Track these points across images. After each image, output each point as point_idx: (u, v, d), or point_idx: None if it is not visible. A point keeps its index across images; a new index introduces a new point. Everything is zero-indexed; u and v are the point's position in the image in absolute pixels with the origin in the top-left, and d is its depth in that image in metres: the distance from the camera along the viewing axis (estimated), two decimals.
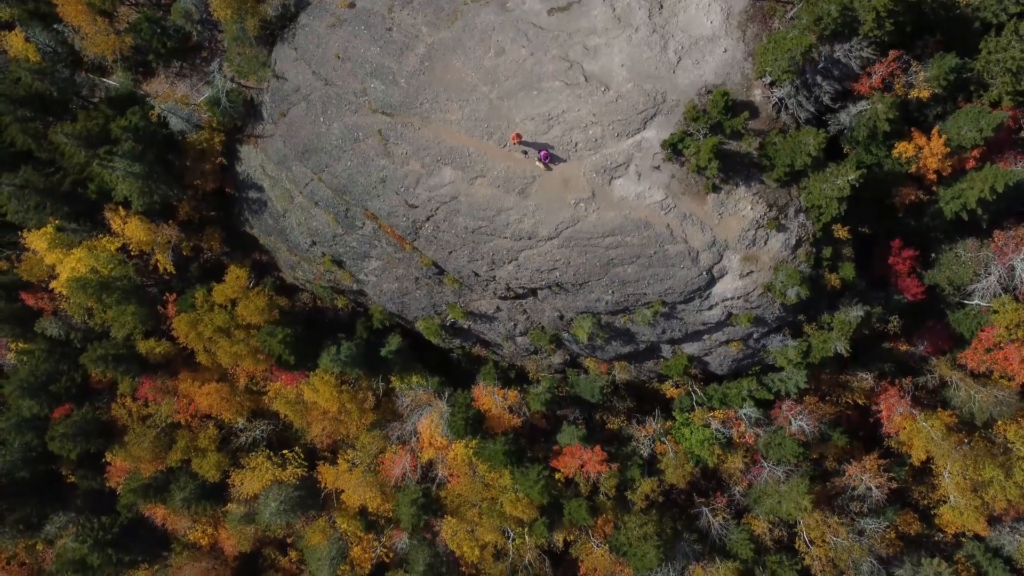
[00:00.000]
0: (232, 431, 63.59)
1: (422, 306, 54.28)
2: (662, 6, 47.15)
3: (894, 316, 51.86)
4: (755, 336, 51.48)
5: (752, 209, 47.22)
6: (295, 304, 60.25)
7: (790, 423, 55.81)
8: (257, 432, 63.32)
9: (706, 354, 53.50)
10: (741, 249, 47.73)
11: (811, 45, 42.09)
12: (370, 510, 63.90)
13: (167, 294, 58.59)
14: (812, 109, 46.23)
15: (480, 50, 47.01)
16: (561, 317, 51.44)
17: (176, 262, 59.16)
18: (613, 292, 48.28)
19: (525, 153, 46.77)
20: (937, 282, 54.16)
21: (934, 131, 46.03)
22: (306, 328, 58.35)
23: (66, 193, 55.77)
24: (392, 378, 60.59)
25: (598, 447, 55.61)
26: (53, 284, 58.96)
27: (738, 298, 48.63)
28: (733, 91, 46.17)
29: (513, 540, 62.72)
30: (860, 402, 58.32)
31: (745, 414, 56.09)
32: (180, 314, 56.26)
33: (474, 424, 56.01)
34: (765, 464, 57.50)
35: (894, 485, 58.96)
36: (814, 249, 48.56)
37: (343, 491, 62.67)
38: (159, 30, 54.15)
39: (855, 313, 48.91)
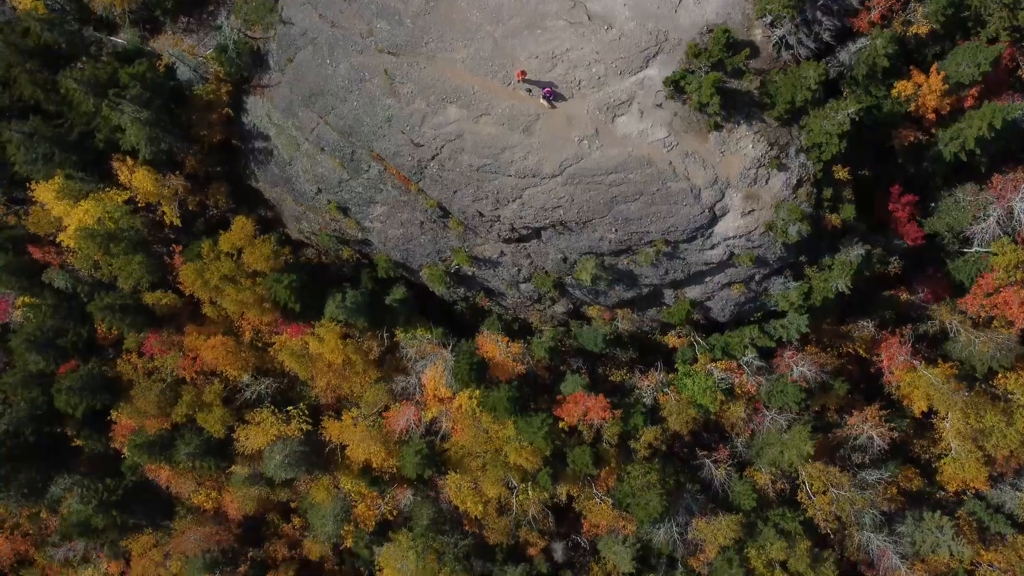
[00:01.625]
0: (237, 388, 63.83)
1: (427, 252, 54.80)
2: None
3: (894, 257, 52.31)
4: (757, 278, 51.98)
5: (753, 147, 47.80)
6: (300, 258, 60.68)
7: (792, 370, 56.25)
8: (262, 388, 63.60)
9: (708, 299, 53.98)
10: (743, 187, 48.28)
11: None
12: (374, 466, 63.96)
13: (173, 246, 59.10)
14: (812, 47, 46.84)
15: None
16: (565, 260, 51.93)
17: (182, 217, 59.62)
18: (616, 230, 48.79)
19: (529, 91, 47.40)
20: (937, 229, 54.78)
21: (933, 68, 46.70)
22: (311, 280, 58.85)
23: (74, 143, 56.34)
24: (396, 331, 61.04)
25: (601, 395, 56.05)
26: (60, 236, 59.42)
27: (740, 237, 49.14)
28: (734, 31, 46.81)
29: (517, 495, 63.02)
30: (861, 352, 58.80)
31: (747, 361, 56.59)
32: (186, 263, 56.72)
33: (478, 371, 56.43)
34: (767, 412, 57.92)
35: (895, 435, 59.23)
36: (815, 189, 49.09)
37: (347, 446, 62.88)
38: None
39: (856, 252, 49.46)
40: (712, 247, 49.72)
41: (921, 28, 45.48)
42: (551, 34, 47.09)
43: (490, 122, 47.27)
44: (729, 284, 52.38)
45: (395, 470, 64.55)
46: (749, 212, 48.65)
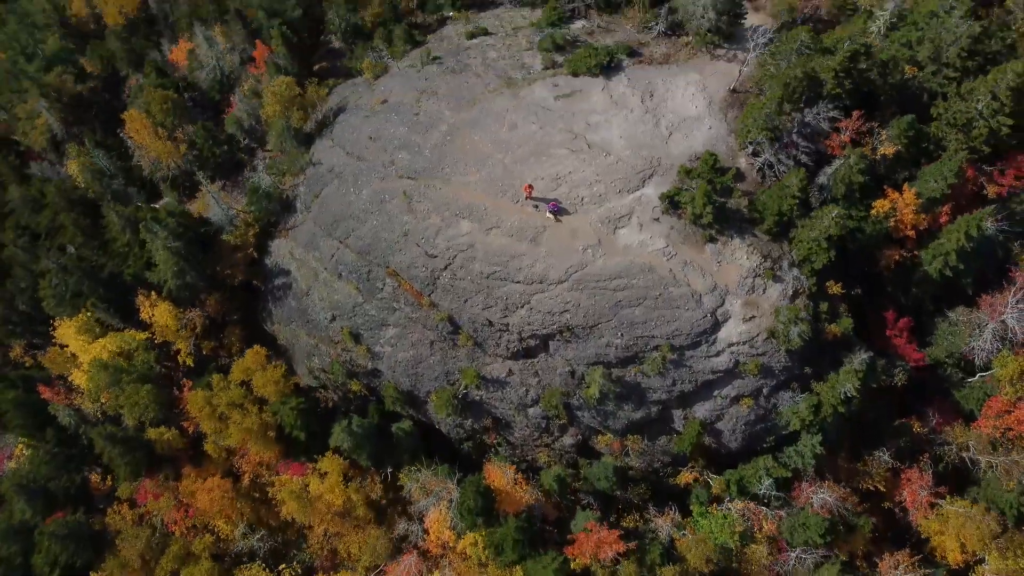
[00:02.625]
0: (229, 542, 60.38)
1: (435, 375, 55.28)
2: (652, 94, 54.78)
3: (899, 368, 52.76)
4: (764, 392, 52.00)
5: (748, 259, 50.73)
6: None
7: (812, 501, 53.90)
8: (254, 542, 60.21)
9: (718, 418, 53.41)
10: (742, 295, 50.39)
11: (782, 97, 48.69)
12: None
13: (184, 380, 59.68)
14: (792, 167, 51.59)
15: (495, 126, 53.81)
16: (572, 373, 52.39)
17: (196, 358, 61.07)
18: (622, 335, 49.99)
19: (536, 207, 51.42)
20: (938, 358, 55.68)
21: (904, 186, 51.07)
22: (316, 414, 58.62)
23: (104, 279, 59.48)
24: (400, 474, 59.25)
25: (614, 530, 53.22)
26: (73, 374, 60.34)
27: (744, 343, 50.20)
28: (721, 157, 51.98)
29: None
30: (880, 488, 56.55)
31: (763, 494, 54.44)
32: (195, 391, 56.94)
33: (485, 503, 53.95)
34: (791, 552, 54.40)
35: None
36: (811, 303, 51.10)
37: None
38: (211, 140, 61.54)
39: (861, 358, 50.08)
40: (717, 354, 50.52)
41: (888, 149, 50.52)
42: (555, 160, 52.27)
43: (500, 234, 50.73)
44: (737, 399, 52.24)
45: None
46: (750, 318, 50.26)
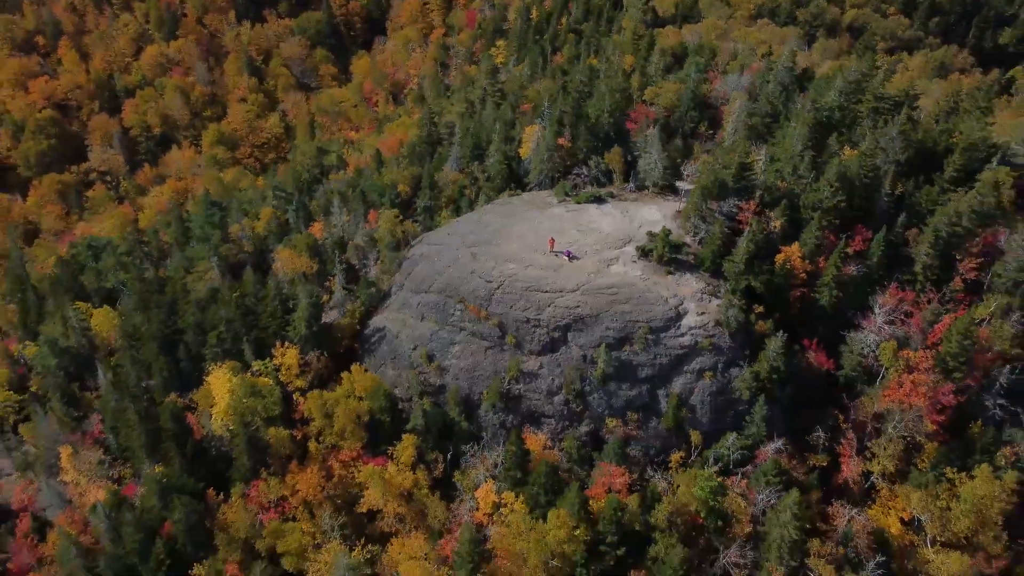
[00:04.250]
0: (318, 524, 75.38)
1: (487, 376, 77.51)
2: (627, 211, 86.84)
3: (815, 339, 75.40)
4: (719, 367, 74.45)
5: (696, 283, 77.76)
6: None
7: (768, 456, 72.07)
8: (338, 524, 75.17)
9: (690, 393, 74.66)
10: (694, 301, 76.19)
11: (708, 187, 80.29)
12: None
13: (300, 396, 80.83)
14: (719, 243, 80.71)
15: (529, 225, 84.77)
16: (584, 357, 75.21)
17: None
18: (616, 320, 74.53)
19: (556, 255, 79.85)
20: (847, 371, 78.20)
21: (794, 245, 79.62)
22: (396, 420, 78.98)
23: (256, 333, 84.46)
24: (455, 474, 77.02)
25: (622, 467, 71.01)
26: (215, 407, 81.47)
27: (699, 328, 74.56)
28: (674, 235, 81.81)
29: None
30: (822, 463, 74.39)
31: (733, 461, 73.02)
32: (313, 392, 78.39)
33: (522, 460, 72.19)
34: (759, 496, 70.74)
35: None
36: (743, 314, 76.30)
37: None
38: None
39: (779, 339, 73.41)
40: (681, 335, 74.41)
41: (776, 223, 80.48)
42: (568, 236, 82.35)
43: (534, 268, 78.52)
44: (701, 372, 74.31)
45: None
46: (702, 313, 75.37)
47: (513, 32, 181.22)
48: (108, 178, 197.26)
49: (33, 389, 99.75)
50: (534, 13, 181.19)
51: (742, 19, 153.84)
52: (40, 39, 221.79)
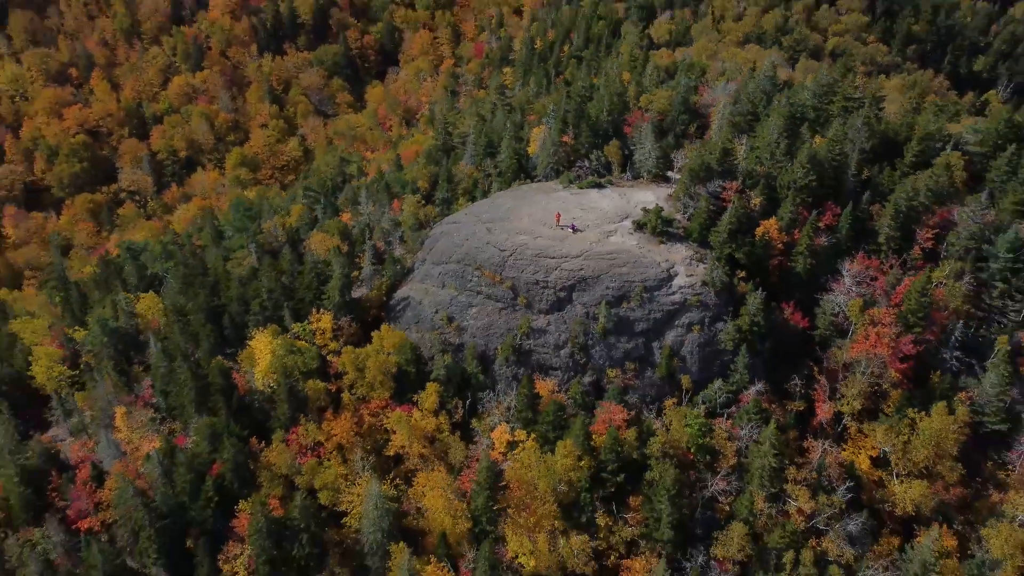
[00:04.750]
0: (351, 465, 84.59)
1: (500, 333, 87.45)
2: (624, 194, 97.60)
3: (792, 301, 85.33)
4: (706, 322, 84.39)
5: (685, 251, 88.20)
6: None
7: (750, 399, 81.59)
8: (368, 462, 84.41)
9: (681, 345, 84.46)
10: (684, 265, 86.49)
11: (695, 169, 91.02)
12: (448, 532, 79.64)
13: (334, 357, 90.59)
14: (706, 217, 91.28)
15: (537, 205, 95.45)
16: (587, 314, 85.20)
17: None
18: (615, 281, 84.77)
19: (562, 228, 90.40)
20: (820, 329, 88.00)
21: (772, 219, 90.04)
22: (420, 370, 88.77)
23: (295, 299, 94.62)
24: (473, 421, 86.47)
25: (622, 406, 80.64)
26: (257, 366, 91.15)
27: (688, 287, 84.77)
28: (666, 212, 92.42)
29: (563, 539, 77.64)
30: (800, 407, 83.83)
31: (722, 400, 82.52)
32: (347, 348, 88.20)
33: (533, 401, 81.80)
34: (742, 431, 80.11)
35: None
36: (728, 277, 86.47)
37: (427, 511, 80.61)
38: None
39: (758, 296, 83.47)
40: (672, 293, 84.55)
41: (756, 201, 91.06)
42: (571, 212, 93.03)
43: (542, 238, 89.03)
44: (690, 327, 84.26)
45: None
46: (690, 275, 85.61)
47: (519, 60, 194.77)
48: (137, 197, 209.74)
49: (86, 360, 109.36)
50: (538, 43, 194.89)
51: (731, 43, 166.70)
52: (74, 71, 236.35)
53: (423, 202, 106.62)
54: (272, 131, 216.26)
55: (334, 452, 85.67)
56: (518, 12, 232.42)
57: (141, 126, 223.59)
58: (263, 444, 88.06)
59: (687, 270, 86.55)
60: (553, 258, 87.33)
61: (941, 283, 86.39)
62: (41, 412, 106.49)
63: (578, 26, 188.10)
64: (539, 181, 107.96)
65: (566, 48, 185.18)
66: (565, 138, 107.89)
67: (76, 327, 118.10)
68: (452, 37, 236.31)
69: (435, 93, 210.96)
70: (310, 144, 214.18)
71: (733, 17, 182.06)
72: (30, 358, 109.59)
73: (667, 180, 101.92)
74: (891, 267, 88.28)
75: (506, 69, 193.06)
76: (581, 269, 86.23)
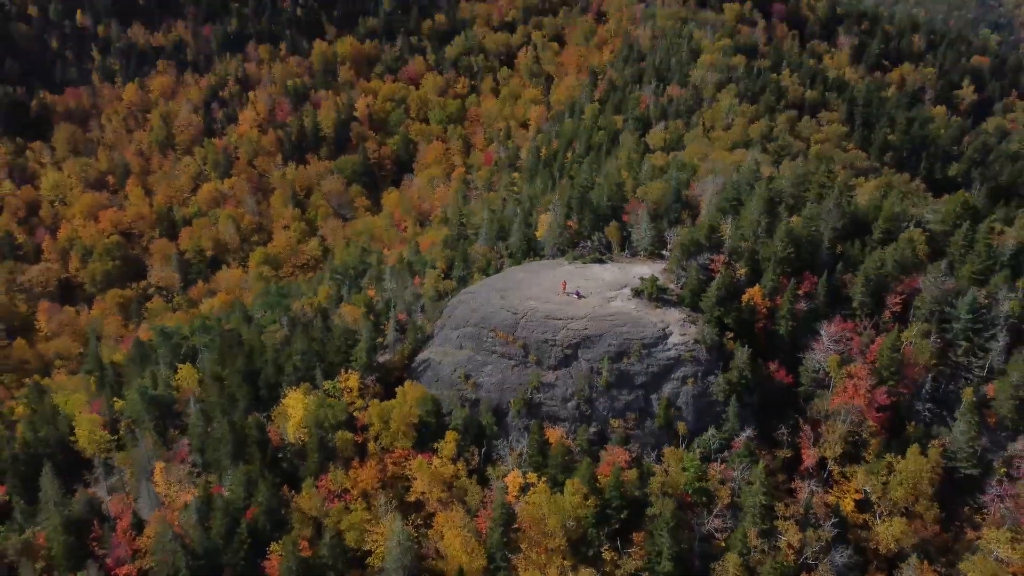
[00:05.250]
0: (375, 509, 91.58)
1: (513, 387, 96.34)
2: (623, 268, 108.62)
3: (777, 360, 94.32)
4: (699, 375, 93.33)
5: (679, 314, 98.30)
6: None
7: (741, 444, 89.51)
8: (391, 505, 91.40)
9: (677, 396, 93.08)
10: (678, 326, 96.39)
11: (686, 244, 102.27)
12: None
13: (360, 413, 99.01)
14: (696, 285, 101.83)
15: (545, 276, 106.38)
16: (592, 369, 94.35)
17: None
18: (616, 338, 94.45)
19: (568, 294, 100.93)
20: (805, 386, 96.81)
21: (756, 288, 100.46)
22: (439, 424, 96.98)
23: (327, 362, 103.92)
24: (488, 469, 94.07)
25: (624, 448, 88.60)
26: (290, 421, 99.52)
27: (682, 344, 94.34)
28: (661, 281, 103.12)
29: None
30: (787, 454, 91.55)
31: (716, 447, 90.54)
32: (374, 402, 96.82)
33: (543, 447, 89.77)
34: (734, 472, 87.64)
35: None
36: (718, 337, 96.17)
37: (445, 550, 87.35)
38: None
39: (744, 352, 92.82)
40: (668, 349, 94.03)
41: (741, 271, 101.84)
42: (576, 282, 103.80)
43: (551, 303, 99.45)
44: (685, 379, 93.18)
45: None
46: (684, 335, 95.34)
47: (525, 166, 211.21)
48: (164, 292, 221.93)
49: (125, 425, 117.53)
50: (543, 151, 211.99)
51: (720, 148, 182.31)
52: (111, 178, 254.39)
53: (442, 276, 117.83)
54: (294, 232, 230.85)
55: (359, 498, 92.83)
56: (524, 125, 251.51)
57: (171, 228, 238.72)
58: (293, 492, 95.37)
59: (681, 330, 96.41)
60: (560, 319, 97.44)
61: (910, 342, 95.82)
62: (83, 474, 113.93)
63: (580, 136, 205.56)
64: (547, 259, 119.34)
65: (569, 155, 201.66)
66: (570, 223, 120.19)
67: (115, 398, 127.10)
68: (463, 148, 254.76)
69: (448, 197, 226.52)
70: (329, 244, 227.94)
71: (722, 127, 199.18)
72: (72, 424, 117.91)
73: (662, 257, 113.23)
74: (865, 328, 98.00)
75: (514, 174, 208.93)
76: (585, 329, 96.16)
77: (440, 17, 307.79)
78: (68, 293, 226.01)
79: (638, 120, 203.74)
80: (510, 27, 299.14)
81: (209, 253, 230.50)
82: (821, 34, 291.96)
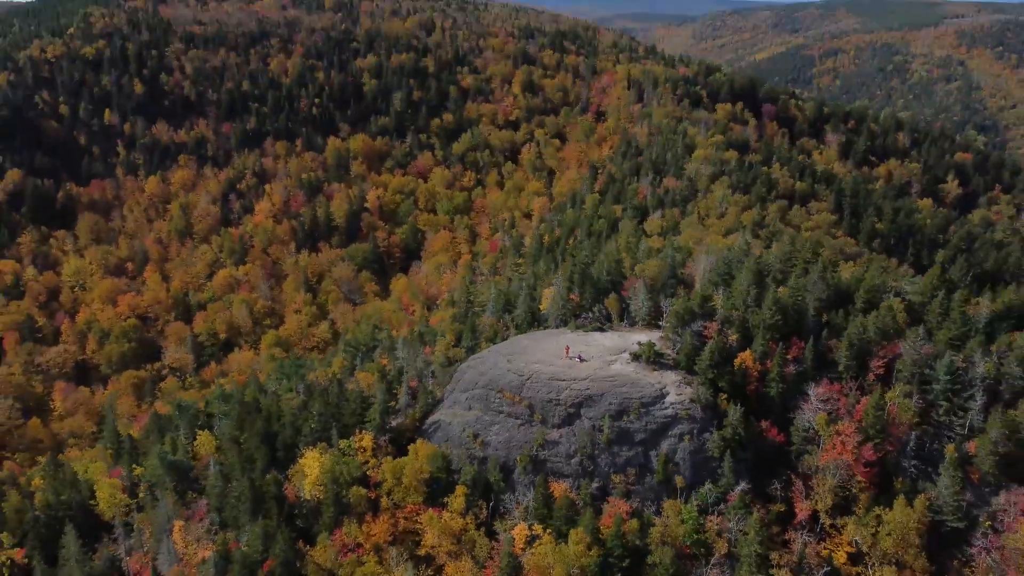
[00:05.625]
0: (387, 564, 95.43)
1: (519, 445, 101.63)
2: (621, 335, 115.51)
3: (769, 419, 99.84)
4: (695, 432, 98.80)
5: (675, 376, 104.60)
6: None
7: (737, 496, 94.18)
8: (403, 558, 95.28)
9: (675, 452, 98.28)
10: (674, 387, 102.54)
11: (681, 312, 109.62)
12: None
13: (372, 471, 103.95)
14: (691, 350, 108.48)
15: (549, 343, 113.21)
16: (593, 427, 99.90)
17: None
18: (616, 398, 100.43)
19: (571, 358, 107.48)
20: (796, 445, 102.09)
21: (747, 352, 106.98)
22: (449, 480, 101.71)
23: (342, 423, 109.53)
24: (495, 523, 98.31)
25: (625, 499, 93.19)
26: (307, 479, 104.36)
27: (678, 403, 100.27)
28: (657, 346, 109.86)
29: None
30: (781, 508, 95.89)
31: (713, 500, 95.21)
32: (387, 459, 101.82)
33: (548, 500, 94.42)
34: (730, 523, 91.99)
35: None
36: (712, 397, 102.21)
37: None
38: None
39: (737, 411, 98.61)
40: (665, 408, 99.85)
41: (733, 337, 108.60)
42: (578, 347, 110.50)
43: (554, 366, 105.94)
44: (682, 436, 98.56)
45: None
46: (679, 394, 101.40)
47: (529, 252, 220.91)
48: (178, 373, 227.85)
49: (145, 489, 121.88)
50: (546, 238, 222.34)
51: (714, 233, 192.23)
52: (130, 265, 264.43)
53: (452, 344, 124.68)
54: (305, 316, 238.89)
55: (372, 551, 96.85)
56: (528, 216, 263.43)
57: (186, 312, 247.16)
58: (308, 547, 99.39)
59: (677, 390, 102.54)
60: (564, 380, 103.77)
61: (894, 402, 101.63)
62: (102, 536, 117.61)
63: (581, 224, 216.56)
64: (550, 329, 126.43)
65: (571, 241, 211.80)
66: (572, 296, 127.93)
67: (133, 464, 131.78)
68: (469, 237, 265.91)
69: (454, 282, 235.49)
70: (339, 328, 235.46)
71: (716, 215, 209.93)
72: (93, 488, 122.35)
73: (659, 327, 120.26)
74: (851, 390, 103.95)
75: (519, 259, 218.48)
76: (587, 389, 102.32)
77: (448, 116, 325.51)
78: (84, 374, 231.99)
79: (636, 209, 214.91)
80: (514, 125, 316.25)
81: (223, 336, 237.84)
82: (809, 132, 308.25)
